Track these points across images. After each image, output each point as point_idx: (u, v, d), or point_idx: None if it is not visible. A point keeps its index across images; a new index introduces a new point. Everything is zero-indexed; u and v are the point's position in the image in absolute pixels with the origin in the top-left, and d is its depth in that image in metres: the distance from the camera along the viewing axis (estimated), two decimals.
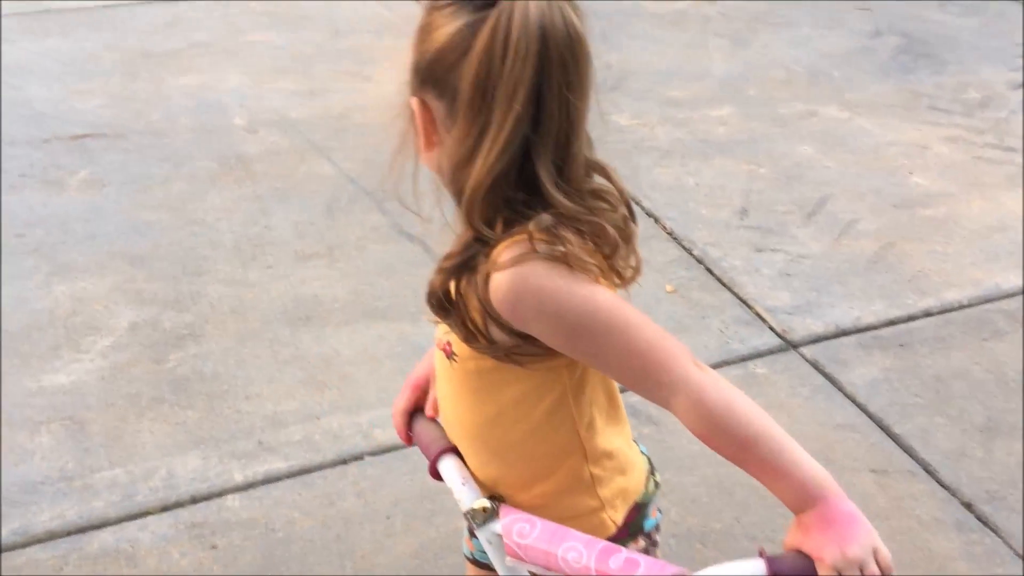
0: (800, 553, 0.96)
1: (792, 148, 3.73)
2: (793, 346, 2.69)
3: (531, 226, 0.98)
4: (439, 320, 1.09)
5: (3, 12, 4.84)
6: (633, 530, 1.20)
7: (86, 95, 4.04)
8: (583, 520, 1.15)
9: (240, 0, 5.08)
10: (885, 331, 2.74)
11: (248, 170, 3.51)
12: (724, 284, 2.94)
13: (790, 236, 3.19)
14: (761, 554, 0.96)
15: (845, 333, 2.73)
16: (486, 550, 1.10)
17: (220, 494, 2.19)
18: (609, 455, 1.17)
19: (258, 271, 2.96)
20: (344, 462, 2.29)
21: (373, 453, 2.31)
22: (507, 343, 1.04)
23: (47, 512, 2.12)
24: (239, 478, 2.23)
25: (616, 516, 1.18)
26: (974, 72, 4.36)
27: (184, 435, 2.34)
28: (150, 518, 2.13)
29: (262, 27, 4.78)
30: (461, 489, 1.13)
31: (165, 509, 2.15)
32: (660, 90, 4.15)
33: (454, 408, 1.18)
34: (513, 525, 1.07)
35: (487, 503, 1.10)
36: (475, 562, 1.36)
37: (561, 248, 0.98)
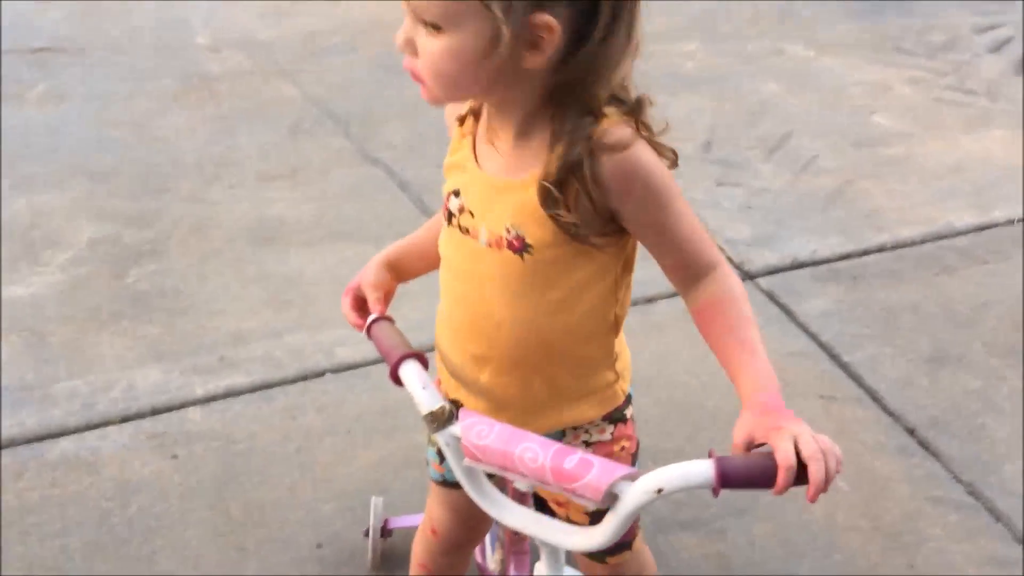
0: (747, 454, 1.00)
1: (758, 85, 3.75)
2: (750, 277, 2.74)
3: (630, 111, 1.09)
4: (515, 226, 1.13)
5: None
6: (628, 399, 1.32)
7: (46, 9, 3.94)
8: (603, 392, 1.27)
9: None
10: (840, 264, 2.80)
11: (211, 90, 3.47)
12: None
13: (752, 171, 3.22)
14: (711, 455, 0.99)
15: (801, 265, 2.79)
16: (444, 452, 1.13)
17: (181, 406, 2.21)
18: (620, 329, 1.27)
19: (221, 191, 2.94)
20: (305, 378, 2.32)
21: (335, 371, 2.34)
22: (594, 223, 1.11)
23: (6, 420, 2.14)
24: (200, 391, 2.25)
25: (626, 386, 1.29)
26: (940, 15, 4.39)
27: (145, 349, 2.36)
28: (110, 428, 2.14)
29: None
30: (422, 393, 1.14)
31: (126, 419, 2.17)
32: None
33: (507, 306, 1.19)
34: (472, 427, 1.09)
35: (447, 405, 1.12)
36: (444, 484, 1.40)
37: (649, 134, 1.11)
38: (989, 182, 3.22)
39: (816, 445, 0.95)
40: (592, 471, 1.01)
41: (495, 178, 1.15)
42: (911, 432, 2.27)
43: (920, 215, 3.04)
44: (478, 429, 1.09)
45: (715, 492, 0.97)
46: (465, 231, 1.19)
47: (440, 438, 1.12)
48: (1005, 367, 2.47)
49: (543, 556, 1.17)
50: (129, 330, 2.41)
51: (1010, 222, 3.03)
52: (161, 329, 2.42)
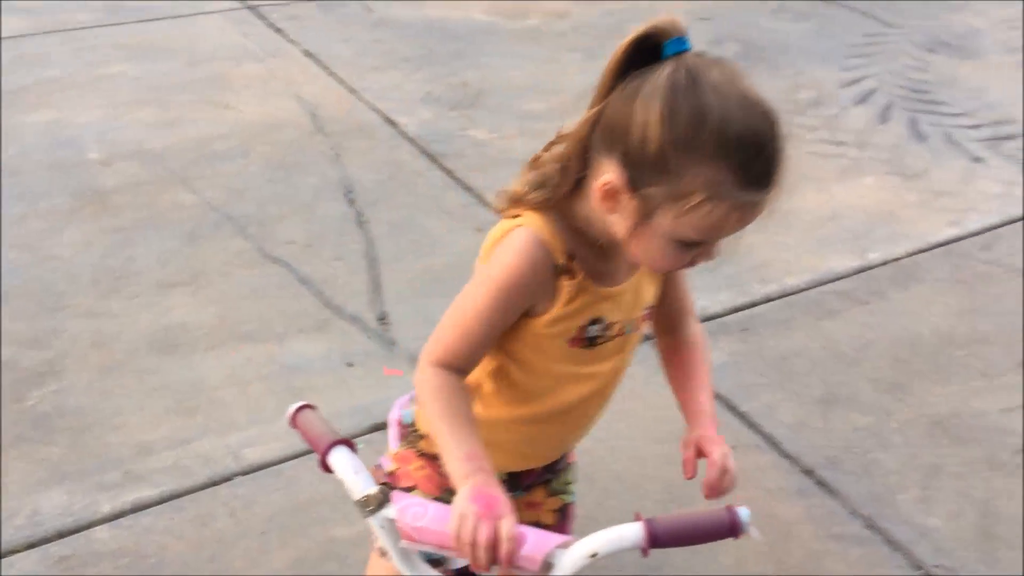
0: (672, 515, 1.07)
1: None
2: (648, 338, 2.82)
3: None
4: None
5: None
6: None
7: None
8: None
9: (91, 32, 5.00)
10: (731, 318, 2.92)
11: (106, 203, 3.47)
12: None
13: None
14: (638, 517, 1.05)
15: None
16: (380, 536, 1.14)
17: (88, 526, 2.18)
18: None
19: (120, 302, 2.94)
20: (215, 484, 2.31)
21: (244, 473, 2.34)
22: None
23: None
24: (107, 508, 2.22)
25: None
26: (806, 73, 4.66)
27: (48, 471, 2.32)
28: (16, 556, 2.10)
29: (117, 60, 4.71)
30: (354, 478, 1.15)
31: (31, 546, 2.12)
32: (517, 104, 4.29)
33: (617, 379, 1.39)
34: (407, 509, 1.11)
35: (380, 490, 1.13)
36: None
37: None
38: (864, 227, 3.41)
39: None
40: (527, 543, 1.05)
41: (633, 281, 1.31)
42: (809, 473, 2.36)
43: (804, 264, 3.20)
44: (414, 511, 1.11)
45: (645, 552, 1.04)
46: (615, 335, 1.32)
47: (374, 521, 1.13)
48: (892, 402, 2.59)
49: None
50: (31, 453, 2.37)
51: (885, 263, 3.21)
52: (64, 449, 2.39)
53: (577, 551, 1.03)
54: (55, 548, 2.12)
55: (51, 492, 2.26)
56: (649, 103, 1.09)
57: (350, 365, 2.72)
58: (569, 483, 1.56)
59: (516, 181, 1.25)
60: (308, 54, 4.75)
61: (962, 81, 4.65)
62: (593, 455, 2.39)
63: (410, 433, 1.47)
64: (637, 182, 1.12)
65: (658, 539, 1.03)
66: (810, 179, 3.72)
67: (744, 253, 3.25)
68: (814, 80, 4.58)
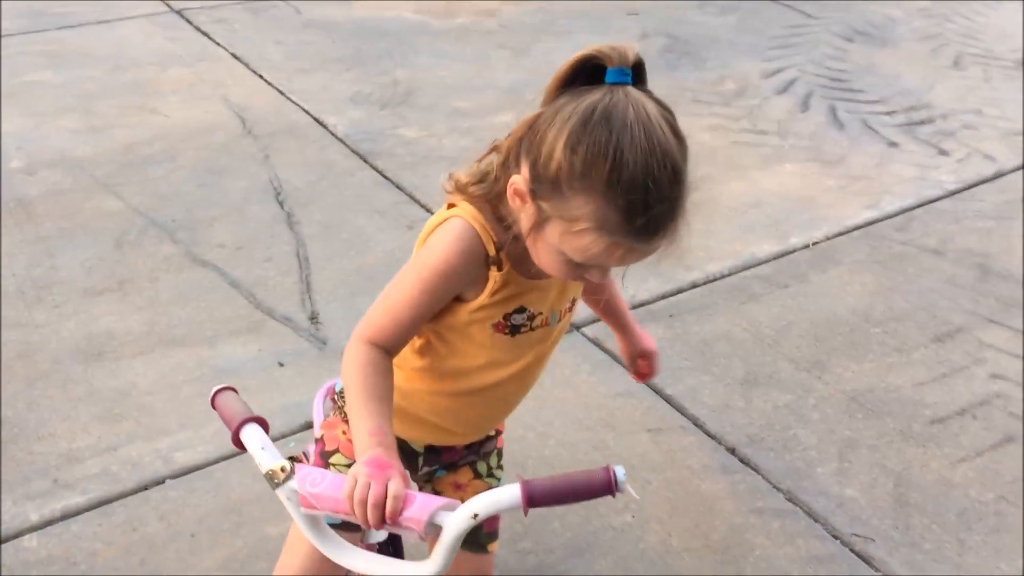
0: (550, 476, 1.10)
1: None
2: (576, 328, 2.88)
3: None
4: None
5: None
6: None
7: None
8: None
9: (13, 39, 4.92)
10: (657, 305, 2.99)
11: (29, 213, 3.43)
12: None
13: None
14: (519, 479, 1.10)
15: None
16: (286, 507, 1.18)
17: (16, 536, 2.16)
18: None
19: (45, 312, 2.91)
20: (145, 488, 2.30)
21: (174, 476, 2.33)
22: None
23: None
24: (35, 517, 2.20)
25: None
26: (731, 65, 4.76)
27: None
28: None
29: (39, 67, 4.64)
30: (262, 453, 1.19)
31: None
32: (446, 102, 4.32)
33: (539, 367, 1.45)
34: (306, 477, 1.16)
35: (285, 463, 1.17)
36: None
37: None
38: (785, 213, 3.50)
39: None
40: (412, 505, 1.10)
41: (556, 279, 1.34)
42: (732, 451, 2.43)
43: (726, 250, 3.27)
44: (311, 478, 1.16)
45: (524, 511, 1.08)
46: (539, 326, 1.37)
47: (281, 494, 1.17)
48: (810, 379, 2.68)
49: None
50: None
51: (806, 247, 3.30)
52: None
53: (460, 513, 1.08)
54: None
55: None
56: (563, 126, 1.13)
57: (282, 365, 2.73)
58: (495, 468, 1.60)
59: (463, 171, 1.31)
60: (236, 57, 4.73)
61: (878, 69, 4.79)
62: (523, 441, 2.44)
63: (339, 397, 1.54)
64: (536, 192, 1.18)
65: (535, 499, 1.07)
66: (733, 168, 3.81)
67: None
68: (738, 72, 4.68)
